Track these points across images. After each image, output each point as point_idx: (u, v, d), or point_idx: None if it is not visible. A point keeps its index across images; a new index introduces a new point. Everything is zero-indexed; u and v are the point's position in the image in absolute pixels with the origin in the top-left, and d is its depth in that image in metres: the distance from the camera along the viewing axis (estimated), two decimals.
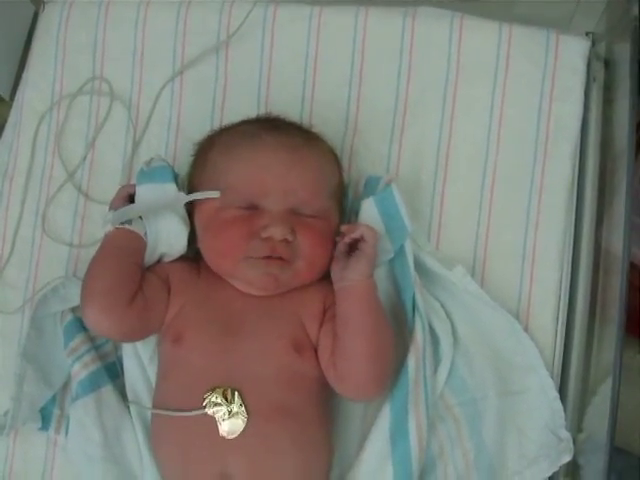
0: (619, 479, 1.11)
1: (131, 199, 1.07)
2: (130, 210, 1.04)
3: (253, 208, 1.00)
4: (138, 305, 0.99)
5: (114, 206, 1.07)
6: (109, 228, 1.04)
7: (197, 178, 1.08)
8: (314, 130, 1.12)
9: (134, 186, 1.07)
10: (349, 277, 0.97)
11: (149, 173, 1.07)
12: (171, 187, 1.06)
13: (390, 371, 1.00)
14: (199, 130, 1.14)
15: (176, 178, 1.08)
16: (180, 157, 1.19)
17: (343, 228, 1.01)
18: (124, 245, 1.03)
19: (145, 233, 1.04)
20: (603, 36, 1.19)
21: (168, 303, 1.03)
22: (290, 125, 1.09)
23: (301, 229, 0.99)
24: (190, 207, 1.07)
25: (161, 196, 1.05)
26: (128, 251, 1.03)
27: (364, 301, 0.98)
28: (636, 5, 1.09)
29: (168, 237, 1.05)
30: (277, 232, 0.97)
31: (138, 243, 1.04)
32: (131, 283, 1.00)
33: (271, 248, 0.98)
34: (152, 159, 1.11)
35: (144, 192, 1.06)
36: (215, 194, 1.01)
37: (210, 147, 1.08)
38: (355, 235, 0.98)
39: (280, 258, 0.98)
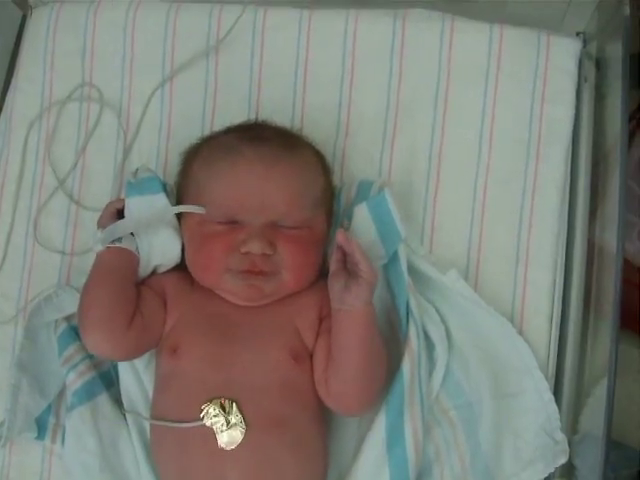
0: (613, 471, 1.11)
1: (120, 214, 1.06)
2: (119, 227, 1.03)
3: (233, 223, 1.00)
4: (137, 326, 0.99)
5: (102, 224, 1.06)
6: (99, 248, 1.03)
7: (182, 190, 1.08)
8: (304, 135, 1.11)
9: (122, 201, 1.06)
10: (350, 302, 0.95)
11: (137, 185, 1.06)
12: (161, 198, 1.05)
13: (381, 392, 1.01)
14: (190, 135, 1.14)
15: (165, 187, 1.07)
16: (171, 163, 1.18)
17: (338, 238, 0.95)
18: (117, 265, 1.02)
19: (137, 248, 1.04)
20: (594, 36, 1.18)
21: (165, 317, 1.03)
22: (274, 133, 1.08)
23: (282, 242, 0.99)
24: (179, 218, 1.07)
25: (151, 208, 1.04)
26: (122, 271, 1.02)
27: (362, 328, 0.97)
28: (627, 5, 1.09)
29: (162, 249, 1.05)
30: (255, 247, 0.97)
31: (131, 261, 1.03)
32: (128, 306, 1.00)
33: (251, 263, 0.98)
34: (138, 169, 1.10)
35: (134, 205, 1.05)
36: (201, 209, 1.01)
37: (192, 160, 1.08)
38: (348, 251, 0.95)
39: (261, 272, 0.99)
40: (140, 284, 1.05)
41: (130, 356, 1.04)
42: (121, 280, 1.02)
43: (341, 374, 0.97)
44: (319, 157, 1.10)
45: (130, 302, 1.00)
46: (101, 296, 1.00)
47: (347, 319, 0.96)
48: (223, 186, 1.02)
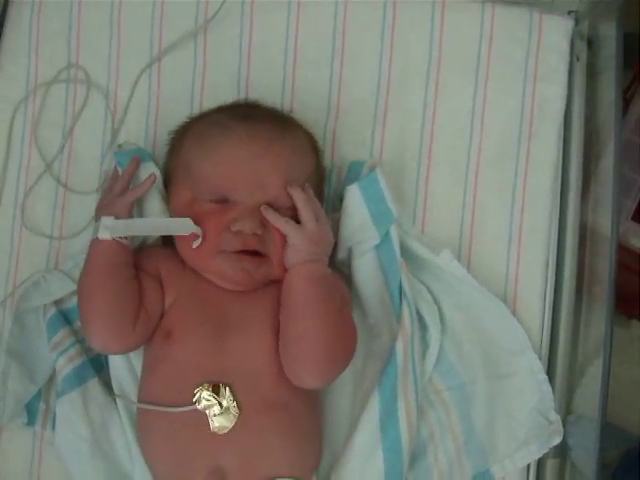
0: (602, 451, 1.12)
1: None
2: (138, 226, 1.01)
3: (225, 201, 0.99)
4: (143, 322, 0.98)
5: (109, 211, 1.01)
6: (106, 237, 0.97)
7: (172, 167, 1.07)
8: (295, 115, 1.10)
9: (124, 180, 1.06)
10: (286, 262, 0.98)
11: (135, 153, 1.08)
12: (149, 165, 1.08)
13: (341, 363, 0.97)
14: (178, 117, 1.12)
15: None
16: (160, 144, 1.17)
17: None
18: (119, 261, 0.99)
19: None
20: (585, 15, 1.17)
21: (164, 302, 1.01)
22: (265, 112, 1.07)
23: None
24: (167, 195, 1.07)
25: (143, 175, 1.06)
26: (124, 267, 0.99)
27: (300, 285, 0.96)
28: None
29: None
30: (246, 226, 0.96)
31: (129, 254, 1.01)
32: (133, 302, 0.98)
33: (243, 242, 0.97)
34: (121, 145, 1.12)
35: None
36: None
37: (184, 137, 1.07)
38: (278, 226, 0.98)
39: (254, 252, 0.98)
40: (139, 271, 1.02)
41: (138, 348, 1.02)
42: (125, 277, 0.99)
43: (283, 333, 0.96)
44: (310, 138, 1.09)
45: (135, 299, 0.98)
46: (107, 296, 0.97)
47: (287, 278, 0.98)
48: (216, 163, 1.00)
